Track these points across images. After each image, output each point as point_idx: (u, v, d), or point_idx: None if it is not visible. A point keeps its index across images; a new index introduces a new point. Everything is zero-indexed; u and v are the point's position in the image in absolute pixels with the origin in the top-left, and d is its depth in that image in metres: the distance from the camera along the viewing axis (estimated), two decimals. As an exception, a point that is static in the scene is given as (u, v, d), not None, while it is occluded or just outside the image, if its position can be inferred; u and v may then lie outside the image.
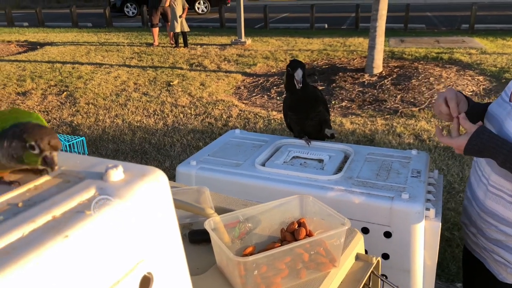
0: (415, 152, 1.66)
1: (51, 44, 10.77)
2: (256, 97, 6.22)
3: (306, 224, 0.88)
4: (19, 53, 9.99)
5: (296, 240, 0.85)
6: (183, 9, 9.05)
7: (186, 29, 9.12)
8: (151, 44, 9.95)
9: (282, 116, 5.24)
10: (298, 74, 1.59)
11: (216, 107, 5.78)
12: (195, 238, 0.98)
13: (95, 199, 0.47)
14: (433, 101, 5.45)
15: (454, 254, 2.70)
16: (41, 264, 0.38)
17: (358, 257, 0.92)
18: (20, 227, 0.42)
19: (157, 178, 0.53)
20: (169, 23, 9.34)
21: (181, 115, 5.54)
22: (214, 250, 0.83)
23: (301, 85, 1.64)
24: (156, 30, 9.67)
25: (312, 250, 0.80)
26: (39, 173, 0.55)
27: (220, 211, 1.05)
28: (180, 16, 8.99)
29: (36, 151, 0.52)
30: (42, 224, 0.43)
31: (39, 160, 0.53)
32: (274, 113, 5.48)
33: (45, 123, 0.59)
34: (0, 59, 9.27)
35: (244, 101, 6.07)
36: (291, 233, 0.87)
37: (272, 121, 5.17)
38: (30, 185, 0.51)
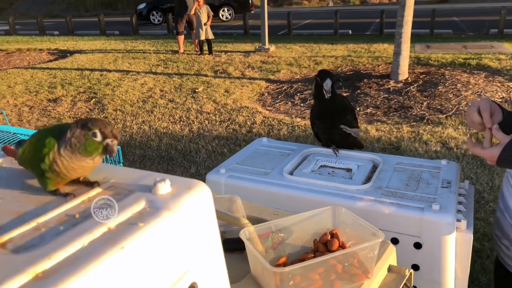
0: (445, 162, 1.64)
1: (80, 52, 11.10)
2: (279, 103, 6.24)
3: (338, 235, 0.89)
4: (50, 60, 10.33)
5: (328, 251, 0.86)
6: (208, 17, 9.16)
7: (211, 36, 9.23)
8: (177, 52, 10.12)
9: (306, 123, 5.25)
10: (327, 84, 1.61)
11: (240, 113, 5.82)
12: (229, 246, 1.00)
13: (145, 211, 0.50)
14: (460, 108, 5.35)
15: (484, 266, 2.64)
16: (101, 274, 0.41)
17: (390, 268, 0.92)
18: (80, 238, 0.45)
19: (201, 191, 0.56)
20: (194, 31, 9.47)
21: (206, 122, 5.61)
22: (249, 259, 0.85)
23: (330, 95, 1.66)
24: (181, 38, 9.80)
25: (346, 262, 0.81)
26: (90, 185, 0.58)
27: (251, 220, 1.07)
28: (205, 24, 9.12)
29: (99, 139, 0.56)
30: (99, 236, 0.46)
31: (101, 147, 0.56)
32: (298, 119, 5.49)
33: None
34: (32, 67, 9.61)
35: (268, 108, 6.09)
36: (324, 244, 0.88)
37: (296, 128, 5.17)
38: (84, 197, 0.55)
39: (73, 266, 0.41)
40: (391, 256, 0.93)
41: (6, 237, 0.46)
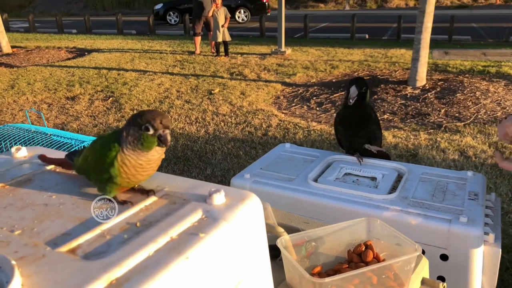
0: (470, 173, 1.63)
1: (97, 50, 11.25)
2: (295, 107, 6.24)
3: (373, 246, 0.90)
4: (69, 59, 10.49)
5: (363, 261, 0.87)
6: (226, 18, 9.18)
7: (228, 38, 9.24)
8: (193, 53, 10.19)
9: (322, 127, 5.25)
10: (353, 91, 1.62)
11: (256, 116, 5.84)
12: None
13: (203, 222, 0.51)
14: (479, 116, 5.29)
15: (503, 278, 2.61)
16: (169, 283, 0.43)
17: (423, 281, 0.93)
18: (145, 247, 0.47)
19: (253, 202, 0.57)
20: (211, 32, 9.51)
21: (222, 124, 5.64)
22: (285, 268, 0.87)
23: (352, 102, 1.67)
24: (198, 39, 9.83)
25: (382, 274, 0.82)
26: (145, 193, 0.60)
27: (282, 227, 1.09)
28: (222, 26, 9.16)
29: (151, 132, 0.58)
30: (163, 245, 0.47)
31: (156, 139, 0.58)
32: (314, 124, 5.48)
33: None
34: (51, 65, 9.77)
35: (284, 111, 6.10)
36: (358, 254, 0.89)
37: (311, 132, 5.17)
38: (141, 205, 0.57)
39: (143, 274, 0.43)
40: (424, 268, 0.94)
41: (74, 243, 0.48)
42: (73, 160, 0.65)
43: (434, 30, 7.73)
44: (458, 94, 5.95)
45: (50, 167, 0.72)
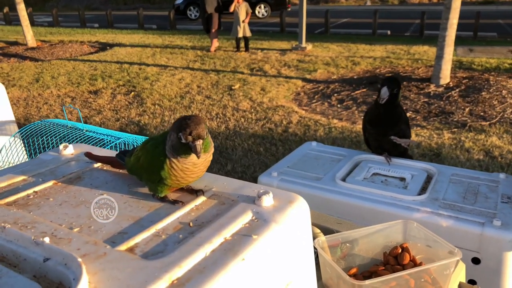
0: (503, 175, 1.60)
1: (119, 45, 11.39)
2: (316, 103, 6.21)
3: (409, 249, 0.90)
4: (91, 53, 10.65)
5: (399, 264, 0.87)
6: (247, 14, 9.16)
7: (248, 34, 9.22)
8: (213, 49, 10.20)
9: (343, 125, 5.21)
10: (384, 92, 1.61)
11: (276, 112, 5.84)
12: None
13: (254, 223, 0.52)
14: (505, 115, 5.18)
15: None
16: (227, 283, 0.44)
17: (460, 286, 0.92)
18: (201, 247, 0.48)
19: (301, 204, 0.58)
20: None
21: (242, 120, 5.65)
22: (322, 268, 0.87)
23: (382, 102, 1.66)
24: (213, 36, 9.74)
25: (420, 278, 0.82)
26: (194, 193, 0.62)
27: (315, 227, 1.09)
28: (243, 21, 9.15)
29: (183, 141, 0.59)
30: (218, 246, 0.49)
31: (188, 148, 0.59)
32: (335, 121, 5.45)
33: None
34: (74, 59, 9.94)
35: (304, 108, 6.08)
36: (394, 257, 0.89)
37: (332, 129, 5.14)
38: (192, 205, 0.58)
39: (203, 275, 0.44)
40: (461, 273, 0.93)
41: (132, 242, 0.50)
42: (123, 159, 0.67)
43: (459, 27, 7.57)
44: (483, 93, 5.83)
45: (98, 164, 0.74)
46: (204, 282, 0.43)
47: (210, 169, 3.10)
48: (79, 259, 0.44)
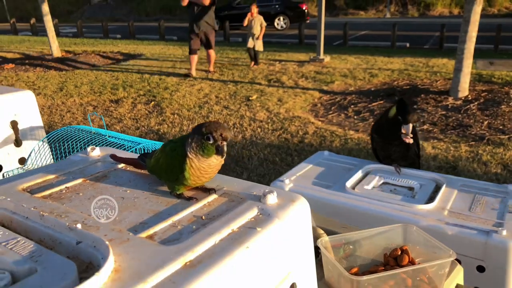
0: (511, 187, 1.63)
1: (140, 55, 11.68)
2: (332, 115, 6.25)
3: (409, 251, 0.95)
4: (113, 63, 10.95)
5: (399, 265, 0.92)
6: (261, 28, 8.87)
7: (260, 49, 8.91)
8: (241, 62, 10.31)
9: (359, 136, 5.24)
10: (409, 128, 1.63)
11: (293, 123, 5.90)
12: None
13: (259, 218, 0.59)
14: (525, 129, 5.12)
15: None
16: (233, 266, 0.51)
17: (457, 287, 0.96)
18: (211, 236, 0.55)
19: (302, 203, 0.65)
20: (210, 50, 8.57)
21: (259, 130, 5.73)
22: (324, 266, 0.93)
23: (410, 141, 1.67)
24: (193, 58, 8.60)
25: (416, 277, 0.87)
26: (207, 192, 0.69)
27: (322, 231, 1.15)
28: (257, 38, 8.83)
29: (211, 141, 0.67)
30: (226, 236, 0.56)
31: (214, 148, 0.67)
32: (351, 132, 5.47)
33: None
34: (97, 68, 10.24)
35: (321, 119, 6.13)
36: (394, 258, 0.94)
37: (349, 141, 5.17)
38: (205, 202, 0.65)
39: (213, 259, 0.51)
40: (458, 275, 0.97)
41: (152, 231, 0.57)
42: (144, 161, 0.75)
43: (479, 39, 7.53)
44: (503, 106, 5.78)
45: (121, 165, 0.82)
46: (212, 264, 0.50)
47: (226, 176, 3.15)
48: (107, 242, 0.51)
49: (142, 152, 1.49)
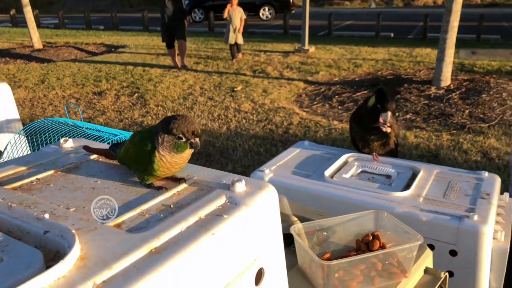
0: (485, 173, 1.68)
1: (124, 46, 11.53)
2: (317, 105, 6.28)
3: (380, 236, 0.98)
4: (96, 54, 10.79)
5: (370, 250, 0.95)
6: (241, 20, 8.58)
7: (240, 42, 8.65)
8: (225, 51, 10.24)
9: (343, 126, 5.28)
10: (387, 116, 1.65)
11: (278, 114, 5.91)
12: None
13: (227, 206, 0.61)
14: (505, 117, 5.23)
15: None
16: (198, 252, 0.52)
17: (427, 270, 1.00)
18: (178, 224, 0.56)
19: (270, 191, 0.66)
20: (182, 40, 8.34)
21: (244, 121, 5.74)
22: (297, 252, 0.95)
23: (387, 130, 1.71)
24: (172, 52, 8.46)
25: (386, 261, 0.89)
26: (177, 181, 0.70)
27: (297, 218, 1.17)
28: (239, 30, 8.57)
29: (183, 140, 0.68)
30: (193, 223, 0.57)
31: (188, 145, 0.68)
32: (335, 122, 5.52)
33: None
34: (79, 60, 10.08)
35: (305, 109, 6.15)
36: (366, 243, 0.97)
37: (332, 131, 5.21)
38: (174, 191, 0.67)
39: (178, 245, 0.52)
40: (428, 259, 1.01)
41: (120, 220, 0.58)
42: (115, 151, 0.75)
43: (462, 29, 7.62)
44: (483, 95, 5.88)
45: (94, 156, 0.82)
46: (177, 251, 0.51)
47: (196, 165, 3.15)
48: (73, 231, 0.52)
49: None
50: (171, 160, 0.69)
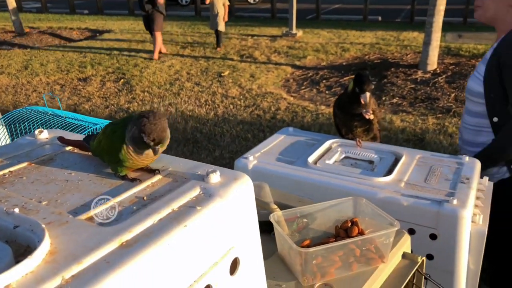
0: (466, 158, 1.70)
1: (109, 31, 11.31)
2: (305, 90, 6.28)
3: (358, 223, 0.99)
4: (80, 40, 10.58)
5: (348, 236, 0.96)
6: (224, 6, 8.28)
7: (221, 28, 8.39)
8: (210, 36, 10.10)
9: (330, 111, 5.29)
10: (366, 97, 1.67)
11: (265, 99, 5.90)
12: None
13: (201, 197, 0.61)
14: (488, 101, 5.28)
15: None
16: (170, 245, 0.52)
17: (404, 255, 1.02)
18: (151, 217, 0.56)
19: (245, 181, 0.66)
20: (154, 32, 8.07)
21: (231, 106, 5.71)
22: (277, 240, 0.96)
23: (371, 117, 1.73)
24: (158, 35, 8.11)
25: (364, 247, 0.91)
26: (152, 172, 0.70)
27: (278, 205, 1.18)
28: (223, 18, 8.29)
29: (147, 141, 0.66)
30: (166, 215, 0.57)
31: (148, 147, 0.67)
32: (323, 107, 5.53)
33: None
34: (63, 45, 9.89)
35: (293, 94, 6.15)
36: (345, 230, 0.98)
37: (320, 116, 5.22)
38: (148, 182, 0.66)
39: (149, 238, 0.52)
40: (405, 244, 1.02)
41: (92, 213, 0.58)
42: (89, 143, 0.75)
43: (448, 13, 7.62)
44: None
45: (69, 148, 0.81)
46: (148, 243, 0.51)
47: (198, 155, 3.20)
48: (43, 225, 0.52)
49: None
50: (136, 156, 0.68)
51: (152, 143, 0.66)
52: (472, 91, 1.76)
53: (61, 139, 0.81)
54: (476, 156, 1.76)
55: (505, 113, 1.68)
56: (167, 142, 0.69)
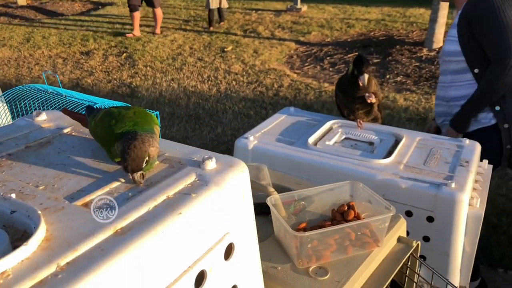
0: (466, 141, 1.70)
1: (111, 4, 11.14)
2: (308, 67, 6.21)
3: (355, 207, 1.00)
4: (82, 12, 10.44)
5: (345, 220, 0.97)
6: None
7: (225, 5, 7.93)
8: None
9: (333, 89, 5.26)
10: (364, 79, 1.67)
11: (268, 76, 5.85)
12: (255, 210, 1.12)
13: (196, 184, 0.61)
14: (494, 80, 5.22)
15: (499, 241, 2.72)
16: (164, 232, 0.53)
17: (400, 239, 1.03)
18: (146, 204, 0.57)
19: (241, 168, 0.67)
20: (154, 9, 7.68)
21: (234, 83, 5.68)
22: (273, 223, 0.97)
23: (373, 101, 1.74)
24: (136, 15, 7.75)
25: (359, 231, 0.92)
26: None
27: (276, 187, 1.19)
28: None
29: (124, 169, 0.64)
30: (160, 202, 0.57)
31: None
32: (326, 85, 5.48)
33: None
34: (65, 18, 9.76)
35: (296, 71, 6.09)
36: (341, 213, 0.99)
37: (323, 93, 5.19)
38: (144, 168, 0.66)
39: (144, 225, 0.53)
40: (401, 228, 1.04)
41: (88, 199, 0.59)
42: (89, 118, 0.74)
43: (456, -11, 7.42)
44: (474, 57, 5.83)
45: (67, 130, 0.81)
46: (143, 230, 0.52)
47: (200, 132, 3.21)
48: (39, 211, 0.52)
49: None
50: None
51: (126, 171, 0.63)
52: (449, 52, 1.94)
53: (65, 110, 0.81)
54: (463, 106, 1.93)
55: (483, 63, 1.85)
56: (150, 167, 0.65)
